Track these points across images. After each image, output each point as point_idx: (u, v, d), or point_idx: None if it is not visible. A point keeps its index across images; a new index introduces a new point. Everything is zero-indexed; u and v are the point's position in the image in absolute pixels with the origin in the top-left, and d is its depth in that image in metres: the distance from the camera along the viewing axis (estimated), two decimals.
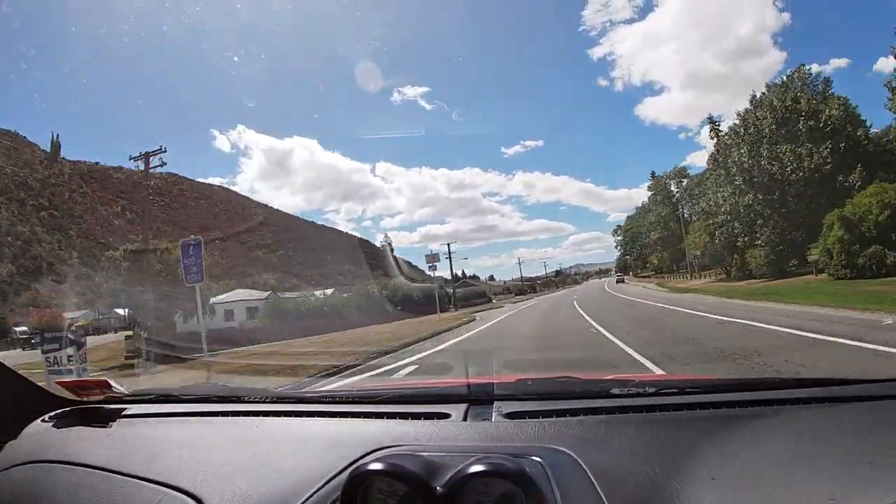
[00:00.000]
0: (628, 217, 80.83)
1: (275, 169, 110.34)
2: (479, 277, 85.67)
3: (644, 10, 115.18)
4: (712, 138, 49.27)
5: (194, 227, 69.67)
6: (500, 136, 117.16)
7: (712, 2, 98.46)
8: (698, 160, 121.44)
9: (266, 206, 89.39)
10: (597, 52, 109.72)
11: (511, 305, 33.88)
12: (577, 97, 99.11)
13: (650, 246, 63.52)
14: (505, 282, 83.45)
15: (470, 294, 53.20)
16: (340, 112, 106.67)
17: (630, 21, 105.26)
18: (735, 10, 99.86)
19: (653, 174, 70.34)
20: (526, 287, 75.54)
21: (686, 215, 55.80)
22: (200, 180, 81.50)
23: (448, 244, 51.17)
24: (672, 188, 59.70)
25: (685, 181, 58.04)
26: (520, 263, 76.80)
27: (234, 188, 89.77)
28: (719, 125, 48.98)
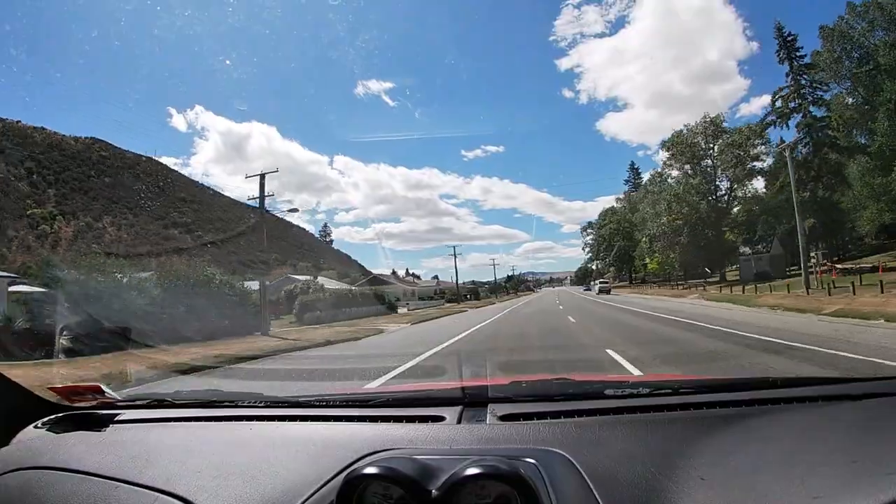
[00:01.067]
0: (604, 211, 66.22)
1: (230, 153, 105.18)
2: (418, 277, 78.54)
3: (616, 26, 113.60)
4: (783, 63, 32.69)
5: (104, 198, 64.88)
6: (461, 139, 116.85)
7: (684, 23, 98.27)
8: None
9: (196, 183, 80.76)
10: (565, 63, 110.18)
11: (389, 334, 16.63)
12: (542, 106, 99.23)
13: (662, 237, 39.71)
14: (439, 282, 65.91)
15: (354, 299, 33.36)
16: (301, 100, 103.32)
17: (601, 35, 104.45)
18: (706, 33, 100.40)
19: (633, 165, 60.00)
20: (466, 293, 57.72)
21: (723, 191, 37.13)
22: (126, 149, 70.65)
23: (261, 178, 21.78)
24: (700, 144, 38.00)
25: (724, 138, 36.24)
26: (455, 255, 55.27)
27: (165, 162, 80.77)
28: (795, 40, 33.62)
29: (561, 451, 0.90)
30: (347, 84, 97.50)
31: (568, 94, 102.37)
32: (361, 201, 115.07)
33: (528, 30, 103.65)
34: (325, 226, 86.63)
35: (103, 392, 1.46)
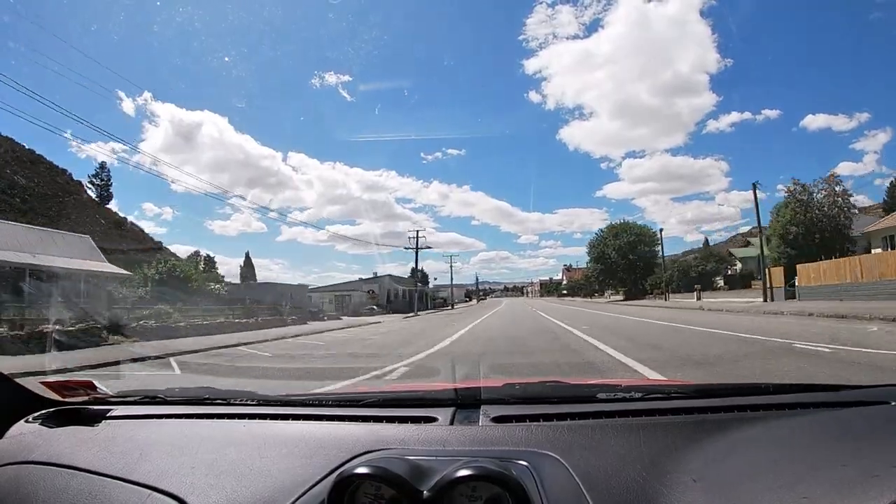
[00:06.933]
0: None
1: (180, 142, 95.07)
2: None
3: (589, 29, 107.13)
4: None
5: None
6: (420, 141, 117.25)
7: (659, 33, 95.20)
8: (613, 192, 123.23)
9: None
10: (532, 65, 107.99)
11: None
12: (506, 109, 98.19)
13: None
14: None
15: None
16: (253, 91, 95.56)
17: (574, 37, 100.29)
18: (679, 45, 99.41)
19: None
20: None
21: None
22: None
23: None
24: None
25: None
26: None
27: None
28: None
29: (553, 454, 0.91)
30: (303, 73, 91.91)
31: (534, 97, 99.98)
32: (316, 200, 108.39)
33: (497, 27, 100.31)
34: (103, 166, 49.12)
35: (95, 388, 1.46)
